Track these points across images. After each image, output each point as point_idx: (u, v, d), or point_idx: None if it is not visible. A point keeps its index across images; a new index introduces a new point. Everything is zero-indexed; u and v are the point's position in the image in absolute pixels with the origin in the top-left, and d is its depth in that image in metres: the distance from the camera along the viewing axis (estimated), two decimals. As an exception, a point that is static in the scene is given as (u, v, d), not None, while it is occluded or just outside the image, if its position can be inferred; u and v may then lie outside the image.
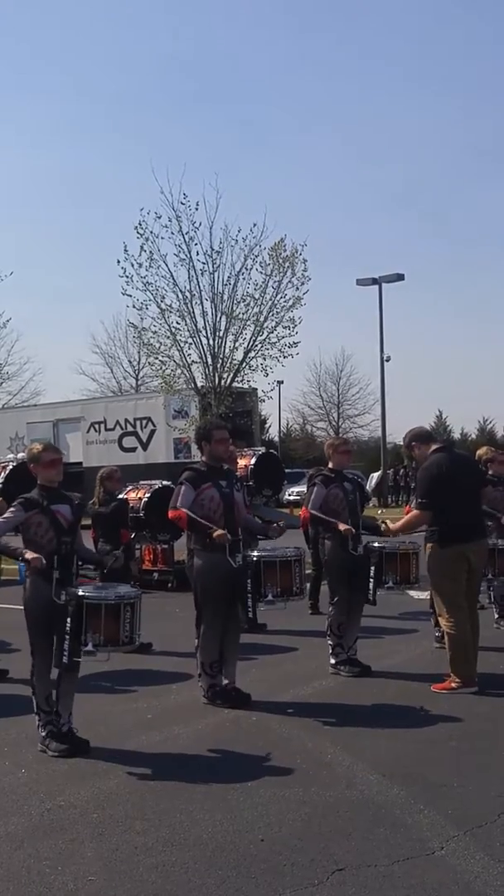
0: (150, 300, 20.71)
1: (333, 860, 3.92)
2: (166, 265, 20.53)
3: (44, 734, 5.50)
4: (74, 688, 5.60)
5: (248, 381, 21.97)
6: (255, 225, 20.54)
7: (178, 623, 8.94)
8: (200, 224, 20.37)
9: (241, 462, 11.35)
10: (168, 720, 6.18)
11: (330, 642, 7.46)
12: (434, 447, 7.08)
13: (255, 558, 6.82)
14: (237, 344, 20.77)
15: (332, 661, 7.44)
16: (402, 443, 8.51)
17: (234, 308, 20.57)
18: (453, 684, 6.72)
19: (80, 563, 5.86)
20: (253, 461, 11.95)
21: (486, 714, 6.20)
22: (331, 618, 7.47)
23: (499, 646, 8.23)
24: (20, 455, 13.47)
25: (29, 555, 5.33)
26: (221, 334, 20.74)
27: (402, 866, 3.85)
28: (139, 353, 41.89)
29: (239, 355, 20.71)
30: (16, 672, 7.10)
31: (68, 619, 5.26)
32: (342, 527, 7.27)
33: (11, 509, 5.53)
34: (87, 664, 5.62)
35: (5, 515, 5.58)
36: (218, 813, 4.48)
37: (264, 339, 20.58)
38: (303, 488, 18.10)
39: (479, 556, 6.99)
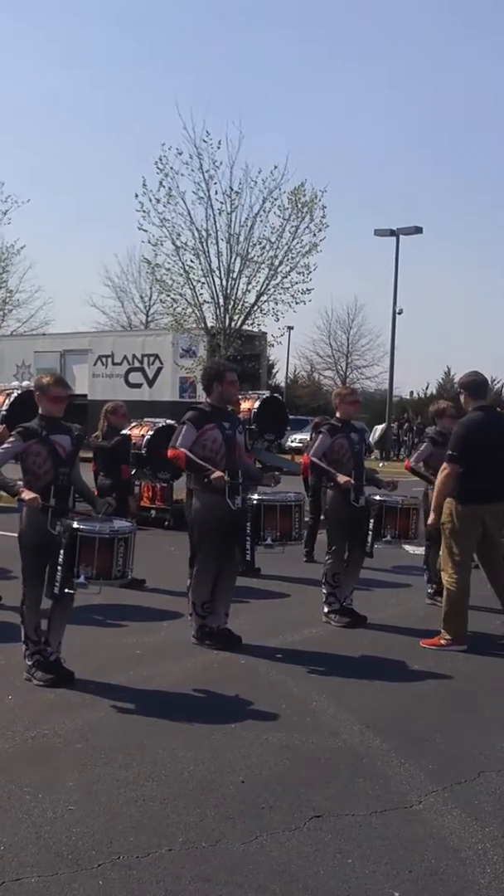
0: (165, 236, 20.50)
1: (311, 807, 3.94)
2: (184, 202, 20.28)
3: (30, 663, 5.52)
4: (67, 619, 5.63)
5: (259, 324, 21.84)
6: (275, 167, 20.23)
7: (173, 561, 8.95)
8: (221, 163, 20.08)
9: (245, 405, 11.25)
10: (156, 657, 6.21)
11: (324, 591, 7.46)
12: (477, 405, 7.00)
13: (255, 502, 6.80)
14: (250, 286, 20.61)
15: (325, 609, 7.45)
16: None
17: (250, 250, 20.37)
18: (443, 641, 6.74)
19: (76, 495, 5.85)
20: (257, 405, 11.79)
21: (472, 673, 6.22)
22: (326, 567, 7.46)
23: (491, 606, 8.23)
24: (25, 383, 13.38)
25: (26, 495, 5.29)
26: (235, 276, 20.57)
27: (379, 818, 3.88)
28: (151, 289, 41.67)
29: (251, 298, 20.56)
30: (8, 599, 7.12)
31: (62, 551, 5.25)
32: (341, 479, 7.22)
33: (10, 439, 5.50)
34: (79, 597, 5.64)
35: (4, 446, 5.54)
36: (200, 752, 4.50)
37: (278, 284, 20.41)
38: (306, 435, 18.02)
39: (495, 518, 6.95)
